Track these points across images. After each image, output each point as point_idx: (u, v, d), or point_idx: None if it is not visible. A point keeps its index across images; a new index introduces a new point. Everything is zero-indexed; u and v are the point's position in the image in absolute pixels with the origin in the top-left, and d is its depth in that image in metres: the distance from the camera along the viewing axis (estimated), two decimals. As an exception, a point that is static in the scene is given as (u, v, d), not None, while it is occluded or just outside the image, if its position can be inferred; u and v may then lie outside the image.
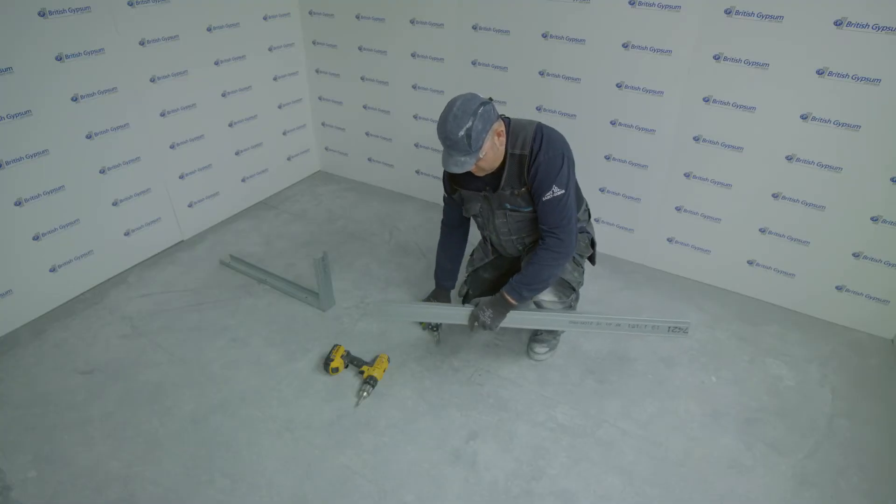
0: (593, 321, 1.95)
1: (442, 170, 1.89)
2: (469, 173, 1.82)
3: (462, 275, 2.30)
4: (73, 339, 2.26)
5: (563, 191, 1.77)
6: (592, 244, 2.12)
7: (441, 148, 1.70)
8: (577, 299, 2.09)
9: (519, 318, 1.93)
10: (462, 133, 1.62)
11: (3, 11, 1.97)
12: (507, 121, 1.81)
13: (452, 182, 1.97)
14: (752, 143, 2.21)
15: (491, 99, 1.71)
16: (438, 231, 2.21)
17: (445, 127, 1.64)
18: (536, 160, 1.74)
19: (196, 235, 2.98)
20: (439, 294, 2.29)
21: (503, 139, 1.75)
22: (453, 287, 2.30)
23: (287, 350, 2.21)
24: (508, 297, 1.86)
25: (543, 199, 1.77)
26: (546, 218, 1.81)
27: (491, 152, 1.71)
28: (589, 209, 2.13)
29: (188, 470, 1.75)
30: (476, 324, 1.92)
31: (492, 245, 2.16)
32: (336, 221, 3.13)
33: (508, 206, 1.89)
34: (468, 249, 2.26)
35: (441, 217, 2.18)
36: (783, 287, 2.42)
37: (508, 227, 1.96)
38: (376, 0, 2.84)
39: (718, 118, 2.23)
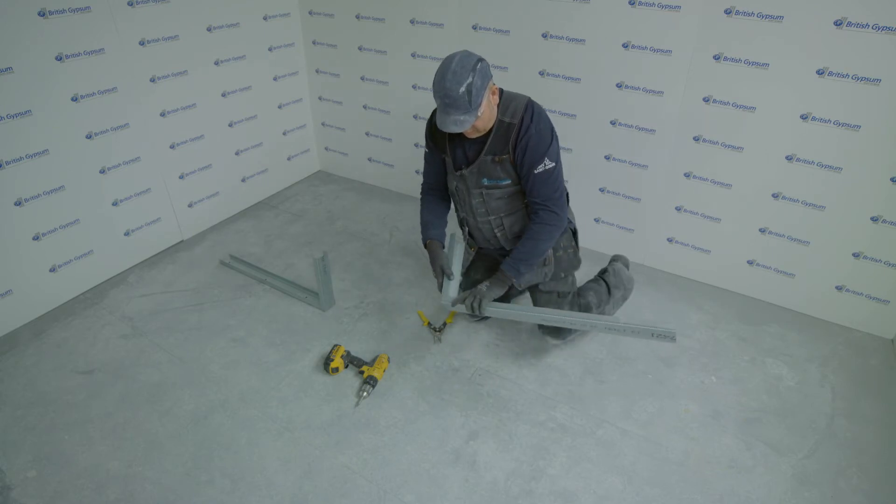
0: (578, 321, 1.94)
1: (424, 128, 1.92)
2: (456, 140, 1.84)
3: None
4: (73, 339, 2.26)
5: (554, 163, 1.79)
6: (574, 235, 2.09)
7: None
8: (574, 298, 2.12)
9: (510, 312, 1.98)
10: (463, 89, 1.60)
11: (3, 11, 1.97)
12: (500, 89, 1.82)
13: (437, 146, 1.96)
14: (752, 143, 2.21)
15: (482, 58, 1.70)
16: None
17: (444, 84, 1.61)
18: (528, 132, 1.75)
19: (196, 235, 2.98)
20: (435, 252, 2.03)
21: (497, 98, 1.76)
22: (444, 237, 2.09)
23: (287, 350, 2.21)
24: (508, 274, 1.88)
25: (535, 171, 1.78)
26: (539, 190, 1.82)
27: (487, 110, 1.71)
28: (567, 193, 2.06)
29: (188, 470, 1.76)
30: (469, 294, 1.89)
31: (471, 235, 2.13)
32: (336, 221, 3.13)
33: (486, 182, 1.87)
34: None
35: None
36: (783, 287, 2.42)
37: (486, 206, 1.94)
38: (376, 0, 2.84)
39: (718, 118, 2.23)
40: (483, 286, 1.90)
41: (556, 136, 1.83)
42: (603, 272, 2.35)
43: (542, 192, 1.82)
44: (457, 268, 2.06)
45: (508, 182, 1.86)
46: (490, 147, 1.81)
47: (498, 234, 2.01)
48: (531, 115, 1.76)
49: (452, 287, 2.01)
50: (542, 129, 1.77)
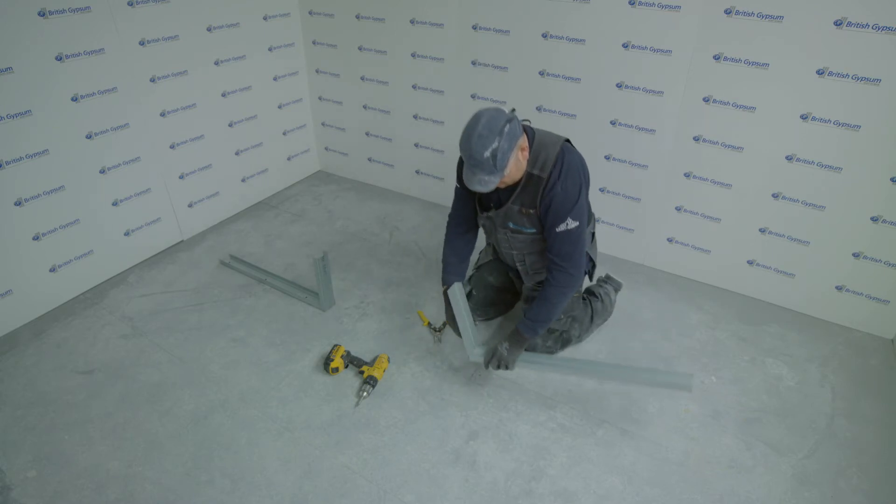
0: (606, 373, 2.00)
1: (458, 156, 1.88)
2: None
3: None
4: (73, 339, 2.26)
5: (578, 223, 1.75)
6: (592, 264, 2.12)
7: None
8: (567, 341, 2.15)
9: (536, 364, 1.99)
10: (488, 154, 1.57)
11: (3, 11, 1.97)
12: (532, 133, 1.77)
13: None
14: (752, 143, 2.21)
15: (514, 110, 1.66)
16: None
17: (470, 145, 1.59)
18: (553, 189, 1.71)
19: (196, 235, 2.98)
20: (447, 303, 2.10)
21: (526, 153, 1.71)
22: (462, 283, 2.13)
23: (287, 350, 2.21)
24: (525, 335, 1.89)
25: (557, 230, 1.75)
26: (559, 249, 1.79)
27: (514, 168, 1.67)
28: (595, 225, 2.10)
29: (188, 470, 1.76)
30: (493, 358, 1.91)
31: (494, 249, 2.17)
32: (336, 221, 3.13)
33: (512, 226, 1.87)
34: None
35: (446, 216, 2.10)
36: (783, 287, 2.42)
37: (509, 243, 1.95)
38: (376, 0, 2.84)
39: (718, 118, 2.23)
40: (503, 349, 1.90)
41: (586, 189, 1.77)
42: (592, 293, 2.30)
43: (562, 250, 1.78)
44: (463, 321, 2.00)
45: (533, 231, 1.85)
46: (518, 198, 1.79)
47: (518, 267, 2.04)
48: (560, 170, 1.71)
49: (471, 338, 2.00)
50: (568, 187, 1.71)
